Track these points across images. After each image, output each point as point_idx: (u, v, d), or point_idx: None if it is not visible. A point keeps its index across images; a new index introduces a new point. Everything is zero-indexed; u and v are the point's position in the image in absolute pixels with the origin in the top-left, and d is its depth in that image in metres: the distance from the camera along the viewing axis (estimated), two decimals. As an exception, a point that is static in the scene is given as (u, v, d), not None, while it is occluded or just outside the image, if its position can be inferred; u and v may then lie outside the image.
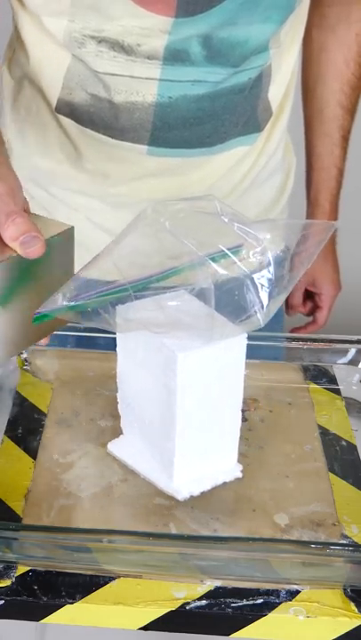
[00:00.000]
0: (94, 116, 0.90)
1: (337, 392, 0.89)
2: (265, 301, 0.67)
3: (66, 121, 0.93)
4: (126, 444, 0.79)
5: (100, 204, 0.99)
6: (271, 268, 0.67)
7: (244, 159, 0.98)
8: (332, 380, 0.90)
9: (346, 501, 0.75)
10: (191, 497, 0.74)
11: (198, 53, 0.85)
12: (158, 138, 0.91)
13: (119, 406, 0.80)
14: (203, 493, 0.75)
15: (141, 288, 0.68)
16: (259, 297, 0.67)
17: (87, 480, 0.76)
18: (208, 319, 0.68)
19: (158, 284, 0.68)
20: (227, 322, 0.68)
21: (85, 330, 0.90)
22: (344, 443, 0.82)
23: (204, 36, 0.84)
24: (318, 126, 1.10)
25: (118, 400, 0.79)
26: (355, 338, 0.91)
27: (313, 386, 0.89)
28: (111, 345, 0.87)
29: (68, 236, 0.71)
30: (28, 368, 0.90)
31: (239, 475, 0.76)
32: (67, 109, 0.92)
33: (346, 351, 0.91)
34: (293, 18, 0.88)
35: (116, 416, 0.83)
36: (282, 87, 0.97)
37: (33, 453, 0.79)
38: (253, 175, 1.01)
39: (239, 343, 0.71)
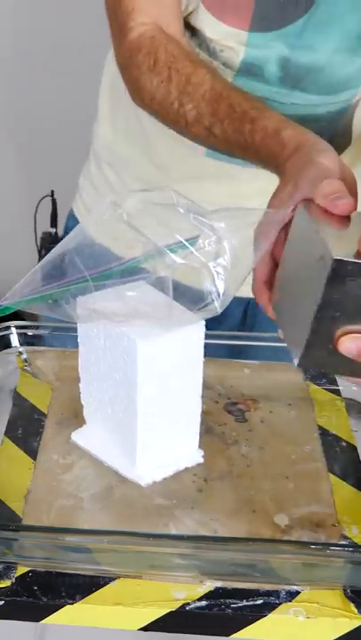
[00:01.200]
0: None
1: (337, 393, 0.89)
2: (221, 289, 0.68)
3: (143, 111, 0.93)
4: (89, 433, 0.80)
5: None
6: (227, 257, 0.68)
7: None
8: (333, 380, 0.90)
9: (346, 502, 0.75)
10: (154, 482, 0.75)
11: (273, 73, 0.85)
12: None
13: (82, 396, 0.80)
14: (165, 479, 0.76)
15: (101, 279, 0.68)
16: (215, 285, 0.68)
17: (87, 480, 0.76)
18: (166, 308, 0.70)
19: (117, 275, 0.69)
20: (185, 310, 0.70)
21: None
22: (344, 443, 0.82)
23: (282, 57, 0.84)
24: None
25: (81, 390, 0.80)
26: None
27: (313, 386, 0.89)
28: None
29: None
30: (28, 369, 0.90)
31: (200, 460, 0.78)
32: None
33: (346, 352, 0.91)
34: None
35: (116, 416, 0.83)
36: None
37: (33, 454, 0.79)
38: None
39: (197, 331, 0.73)
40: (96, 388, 0.78)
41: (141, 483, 0.75)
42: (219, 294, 0.68)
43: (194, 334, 0.73)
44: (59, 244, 0.69)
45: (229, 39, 0.84)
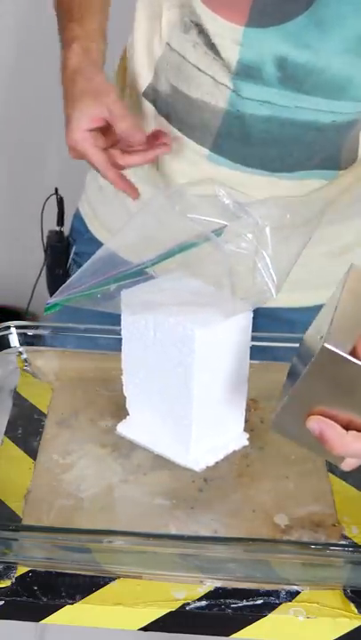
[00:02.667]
0: (170, 107, 0.93)
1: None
2: (274, 274, 0.70)
3: (147, 106, 0.95)
4: (135, 424, 0.81)
5: (162, 200, 0.99)
6: (269, 245, 0.70)
7: (320, 192, 0.95)
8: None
9: (346, 502, 0.75)
10: (206, 467, 0.77)
11: (272, 74, 0.84)
12: (220, 145, 0.91)
13: (124, 388, 0.80)
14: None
15: (156, 264, 0.71)
16: (268, 270, 0.69)
17: (87, 480, 0.76)
18: (214, 296, 0.72)
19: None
20: (233, 297, 0.72)
21: (85, 330, 0.90)
22: (344, 443, 0.82)
23: (279, 56, 0.83)
24: None
25: (124, 382, 0.80)
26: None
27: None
28: (111, 345, 0.87)
29: None
30: (28, 369, 0.90)
31: (246, 442, 0.79)
32: (151, 96, 0.94)
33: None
34: None
35: (116, 416, 0.83)
36: None
37: (33, 454, 0.79)
38: (331, 211, 0.97)
39: (246, 317, 0.74)
40: (143, 380, 0.78)
41: (196, 468, 0.76)
42: (273, 279, 0.70)
43: (244, 321, 0.74)
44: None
45: (225, 35, 0.84)
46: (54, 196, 1.16)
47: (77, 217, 1.13)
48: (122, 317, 0.76)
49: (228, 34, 0.84)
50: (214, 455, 0.78)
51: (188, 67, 0.88)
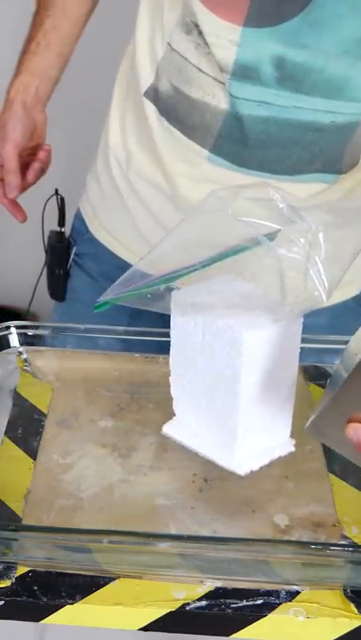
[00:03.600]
0: (171, 108, 0.92)
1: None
2: (325, 280, 0.69)
3: (149, 106, 0.95)
4: (181, 425, 0.80)
5: (167, 202, 0.99)
6: (322, 250, 0.69)
7: (321, 195, 0.95)
8: (333, 380, 0.90)
9: (346, 502, 0.75)
10: (251, 471, 0.76)
11: (269, 74, 0.84)
12: (220, 147, 0.91)
13: (172, 389, 0.80)
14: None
15: (208, 266, 0.70)
16: (320, 276, 0.69)
17: (87, 480, 0.76)
18: (264, 299, 0.71)
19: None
20: (283, 301, 0.70)
21: (85, 330, 0.90)
22: (344, 443, 0.82)
23: (276, 56, 0.83)
24: None
25: (171, 383, 0.80)
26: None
27: (313, 386, 0.89)
28: (111, 345, 0.87)
29: None
30: (28, 369, 0.90)
31: (292, 449, 0.78)
32: (153, 96, 0.94)
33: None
34: None
35: (115, 416, 0.83)
36: None
37: (33, 454, 0.79)
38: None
39: (296, 322, 0.73)
40: (190, 381, 0.78)
41: (240, 472, 0.75)
42: (325, 284, 0.69)
43: (293, 326, 0.73)
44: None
45: (222, 35, 0.84)
46: (55, 197, 1.16)
47: (78, 217, 1.13)
48: (171, 318, 0.76)
49: (226, 34, 0.83)
50: (259, 460, 0.77)
51: (189, 67, 0.88)
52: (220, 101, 0.88)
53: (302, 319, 0.73)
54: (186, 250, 0.71)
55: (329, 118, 0.87)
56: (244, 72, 0.85)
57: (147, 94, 0.95)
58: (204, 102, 0.89)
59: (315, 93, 0.85)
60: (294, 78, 0.84)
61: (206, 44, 0.86)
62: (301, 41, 0.81)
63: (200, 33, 0.86)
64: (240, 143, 0.90)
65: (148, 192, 1.00)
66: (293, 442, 0.78)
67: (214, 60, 0.86)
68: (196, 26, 0.86)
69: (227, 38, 0.84)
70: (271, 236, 0.69)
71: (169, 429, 0.81)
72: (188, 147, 0.93)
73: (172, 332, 0.77)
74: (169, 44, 0.90)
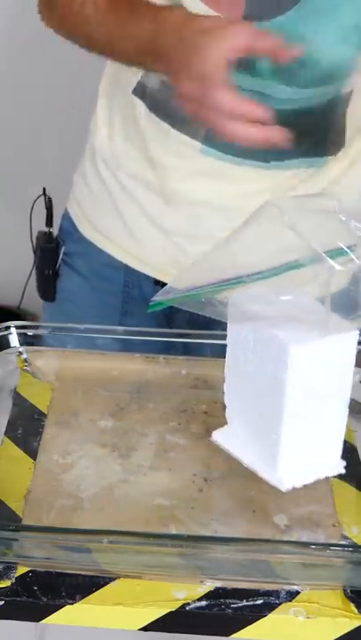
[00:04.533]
0: (160, 103, 0.92)
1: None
2: None
3: (138, 103, 0.94)
4: (231, 433, 0.80)
5: (156, 199, 0.99)
6: None
7: (310, 181, 0.96)
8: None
9: (346, 502, 0.75)
10: (293, 488, 0.75)
11: (265, 67, 0.84)
12: (212, 138, 0.91)
13: (225, 396, 0.80)
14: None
15: (257, 281, 0.70)
16: None
17: (87, 480, 0.76)
18: (320, 314, 0.70)
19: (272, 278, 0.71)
20: (340, 317, 0.70)
21: (85, 330, 0.90)
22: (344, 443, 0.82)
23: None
24: None
25: (225, 390, 0.80)
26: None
27: None
28: (111, 345, 0.87)
29: None
30: (28, 369, 0.90)
31: (342, 470, 0.77)
32: (141, 92, 0.94)
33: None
34: None
35: (115, 416, 0.83)
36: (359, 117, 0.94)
37: (33, 454, 0.79)
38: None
39: (351, 339, 0.72)
40: (241, 390, 0.78)
41: (281, 487, 0.74)
42: None
43: (347, 342, 0.72)
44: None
45: None
46: (42, 197, 1.16)
47: (66, 217, 1.13)
48: (228, 324, 0.76)
49: None
50: (303, 478, 0.75)
51: None
52: None
53: (358, 337, 0.72)
54: (240, 257, 0.71)
55: (317, 102, 0.89)
56: (240, 62, 0.85)
57: (135, 91, 0.95)
58: None
59: (309, 85, 0.86)
60: (290, 71, 0.84)
61: None
62: (299, 32, 0.82)
63: None
64: None
65: (138, 190, 1.00)
66: (344, 463, 0.77)
67: None
68: None
69: None
70: (332, 254, 0.69)
71: (218, 437, 0.80)
72: (180, 140, 0.93)
73: (228, 338, 0.77)
74: None
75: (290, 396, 0.71)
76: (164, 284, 1.04)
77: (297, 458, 0.75)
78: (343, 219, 0.71)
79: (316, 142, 0.94)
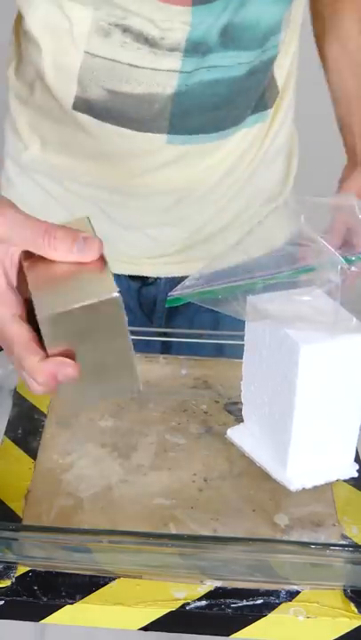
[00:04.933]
0: (112, 111, 0.91)
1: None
2: None
3: (83, 117, 0.93)
4: (246, 431, 0.80)
5: (117, 197, 0.99)
6: None
7: (255, 140, 0.99)
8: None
9: (346, 502, 0.75)
10: (303, 488, 0.75)
11: (216, 41, 0.86)
12: (177, 126, 0.92)
13: (242, 394, 0.80)
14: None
15: (271, 281, 0.71)
16: None
17: (87, 480, 0.76)
18: (334, 315, 0.70)
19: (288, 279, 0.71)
20: (352, 318, 0.70)
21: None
22: (344, 443, 0.82)
23: (223, 24, 0.85)
24: (347, 66, 1.04)
25: (242, 388, 0.80)
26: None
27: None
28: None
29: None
30: (28, 368, 0.90)
31: (355, 474, 0.77)
32: (84, 106, 0.92)
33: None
34: None
35: (116, 416, 0.83)
36: (286, 64, 0.98)
37: (33, 454, 0.79)
38: (261, 156, 1.01)
39: None
40: (256, 388, 0.78)
41: (290, 487, 0.74)
42: None
43: (358, 343, 0.71)
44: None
45: (175, 20, 0.84)
46: None
47: None
48: (246, 323, 0.76)
49: (178, 17, 0.84)
50: (314, 479, 0.75)
51: (122, 67, 0.87)
52: (166, 87, 0.88)
53: None
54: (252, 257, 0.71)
55: (260, 59, 0.91)
56: (195, 47, 0.86)
57: (76, 107, 0.92)
58: (149, 94, 0.89)
59: (252, 46, 0.88)
60: (235, 38, 0.86)
61: (138, 39, 0.85)
62: (244, 2, 0.84)
63: (125, 31, 0.85)
64: (194, 114, 0.91)
65: (106, 197, 0.99)
66: (357, 467, 0.77)
67: (148, 51, 0.86)
68: (117, 25, 0.85)
69: (179, 20, 0.84)
70: (349, 259, 0.69)
71: (233, 434, 0.81)
72: (145, 139, 0.93)
73: (246, 336, 0.78)
74: (87, 52, 0.88)
75: (300, 397, 0.71)
76: (141, 278, 1.05)
77: (307, 459, 0.75)
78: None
79: (260, 98, 0.96)
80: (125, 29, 0.85)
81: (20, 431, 0.82)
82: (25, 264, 0.63)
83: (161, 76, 0.88)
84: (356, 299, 0.70)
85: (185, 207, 1.00)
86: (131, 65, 0.87)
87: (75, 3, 0.85)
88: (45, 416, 0.84)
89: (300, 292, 0.72)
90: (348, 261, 0.69)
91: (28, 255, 0.63)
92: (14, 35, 0.98)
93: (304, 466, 0.75)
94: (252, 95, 0.95)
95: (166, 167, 0.96)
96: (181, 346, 0.95)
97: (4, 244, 0.62)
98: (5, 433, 0.82)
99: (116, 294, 0.60)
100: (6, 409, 0.85)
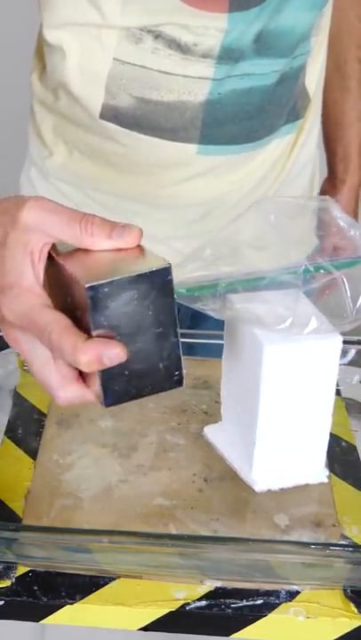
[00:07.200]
0: (141, 119, 0.90)
1: (337, 392, 0.88)
2: (358, 303, 0.68)
3: (111, 126, 0.91)
4: (222, 429, 0.80)
5: (142, 207, 0.98)
6: None
7: (285, 150, 0.99)
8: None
9: (346, 502, 0.75)
10: (269, 490, 0.75)
11: (249, 48, 0.85)
12: (208, 135, 0.91)
13: (221, 392, 0.80)
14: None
15: (247, 284, 0.70)
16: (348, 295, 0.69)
17: (87, 480, 0.76)
18: (308, 318, 0.69)
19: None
20: (324, 321, 0.69)
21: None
22: (344, 443, 0.82)
23: (258, 31, 0.84)
24: (339, 82, 1.09)
25: (221, 387, 0.80)
26: (355, 338, 0.91)
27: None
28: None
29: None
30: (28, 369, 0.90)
31: (324, 480, 0.76)
32: (111, 115, 0.90)
33: (346, 351, 0.91)
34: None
35: (116, 416, 0.83)
36: (316, 72, 0.98)
37: (33, 454, 0.79)
38: (289, 167, 1.01)
39: (333, 344, 0.71)
40: (232, 387, 0.78)
41: (255, 488, 0.74)
42: (355, 307, 0.69)
43: (328, 347, 0.71)
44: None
45: (210, 26, 0.83)
46: None
47: None
48: (225, 322, 0.76)
49: (213, 24, 0.83)
50: (281, 482, 0.75)
51: (152, 74, 0.86)
52: (197, 95, 0.87)
53: (341, 343, 0.71)
54: (228, 258, 0.71)
55: (290, 65, 0.90)
56: (228, 53, 0.85)
57: (103, 116, 0.91)
58: (180, 102, 0.88)
59: (286, 53, 0.88)
60: (270, 45, 0.86)
61: (170, 45, 0.84)
62: (280, 8, 0.83)
63: (157, 37, 0.84)
64: (226, 123, 0.90)
65: (133, 208, 0.98)
66: (327, 473, 0.77)
67: (180, 58, 0.85)
68: (150, 32, 0.84)
69: (213, 27, 0.83)
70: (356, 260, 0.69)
71: (209, 431, 0.81)
72: (175, 149, 0.92)
73: (224, 335, 0.77)
74: (116, 59, 0.86)
75: (264, 397, 0.71)
76: None
77: (274, 461, 0.74)
78: (342, 224, 0.71)
79: (292, 108, 0.96)
80: (157, 35, 0.84)
81: (19, 431, 0.82)
82: (57, 259, 0.59)
83: (192, 83, 0.87)
84: (334, 306, 0.70)
85: (212, 220, 0.98)
86: (161, 72, 0.86)
87: (104, 10, 0.83)
88: (45, 416, 0.84)
89: (278, 294, 0.71)
90: (337, 267, 0.69)
91: (56, 254, 0.60)
92: (38, 41, 0.97)
93: (270, 468, 0.75)
94: (284, 104, 0.93)
95: (195, 179, 0.95)
96: (182, 346, 0.95)
97: (36, 232, 0.58)
98: (5, 433, 0.82)
99: (168, 264, 0.57)
100: (6, 409, 0.85)
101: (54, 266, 0.60)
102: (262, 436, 0.73)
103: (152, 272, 0.57)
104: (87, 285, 0.56)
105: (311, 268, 0.69)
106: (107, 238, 0.58)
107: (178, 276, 0.60)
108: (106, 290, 0.56)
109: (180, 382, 0.61)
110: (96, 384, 0.59)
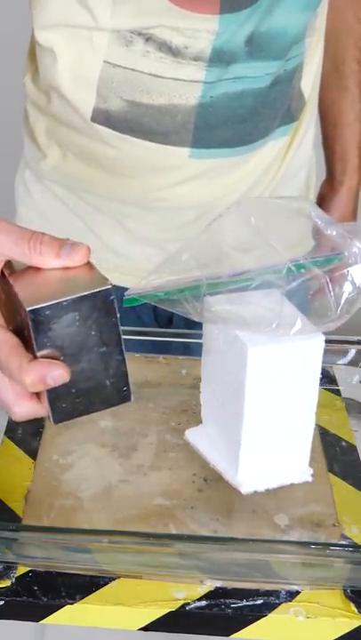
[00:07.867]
0: (132, 123, 0.89)
1: (337, 392, 0.89)
2: (341, 302, 0.68)
3: (102, 129, 0.91)
4: (203, 432, 0.80)
5: (137, 210, 0.98)
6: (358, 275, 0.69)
7: (279, 153, 0.99)
8: (333, 380, 0.90)
9: (346, 502, 0.75)
10: (255, 492, 0.75)
11: (241, 50, 0.85)
12: (200, 139, 0.90)
13: (201, 395, 0.80)
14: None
15: (216, 285, 0.69)
16: (341, 298, 0.68)
17: (87, 480, 0.76)
18: (290, 318, 0.69)
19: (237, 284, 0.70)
20: (306, 322, 0.69)
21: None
22: (344, 443, 0.82)
23: (249, 33, 0.84)
24: (337, 82, 1.09)
25: (201, 390, 0.80)
26: (355, 338, 0.91)
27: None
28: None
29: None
30: (28, 368, 0.90)
31: (309, 479, 0.76)
32: (102, 118, 0.90)
33: (346, 352, 0.91)
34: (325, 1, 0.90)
35: (116, 416, 0.83)
36: (312, 73, 0.97)
37: (33, 454, 0.79)
38: (283, 170, 1.01)
39: (316, 345, 0.71)
40: (213, 389, 0.78)
41: (241, 490, 0.74)
42: (338, 307, 0.68)
43: (311, 348, 0.71)
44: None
45: (201, 28, 0.83)
46: None
47: None
48: (203, 324, 0.76)
49: (203, 25, 0.83)
50: (266, 483, 0.75)
51: (143, 77, 0.86)
52: (189, 98, 0.87)
53: (323, 343, 0.71)
54: (208, 259, 0.70)
55: (284, 67, 0.90)
56: (220, 56, 0.85)
57: (94, 119, 0.90)
58: (172, 105, 0.87)
59: (280, 56, 0.87)
60: (262, 47, 0.85)
61: (160, 48, 0.84)
62: (272, 10, 0.83)
63: (147, 40, 0.83)
64: (218, 126, 0.90)
65: (126, 211, 0.98)
66: (311, 471, 0.77)
67: (171, 61, 0.84)
68: (140, 34, 0.83)
69: (204, 29, 0.83)
70: (340, 256, 0.69)
71: (190, 435, 0.80)
72: (167, 153, 0.91)
73: (203, 337, 0.77)
74: (106, 62, 0.86)
75: (249, 399, 0.71)
76: None
77: (259, 462, 0.74)
78: (320, 223, 0.71)
79: (287, 110, 0.95)
80: (148, 38, 0.83)
81: (19, 431, 0.82)
82: (8, 278, 0.61)
83: (184, 86, 0.86)
84: (318, 306, 0.70)
85: (206, 222, 0.98)
86: (152, 75, 0.85)
87: (95, 11, 0.83)
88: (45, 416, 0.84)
89: (258, 294, 0.71)
90: (318, 264, 0.68)
91: (9, 272, 0.61)
92: (31, 42, 0.96)
93: (256, 469, 0.74)
94: (278, 106, 0.93)
95: (188, 182, 0.94)
96: (181, 346, 0.95)
97: None
98: (5, 433, 0.82)
99: (109, 285, 0.58)
100: (6, 409, 0.85)
101: (7, 284, 0.61)
102: (248, 437, 0.73)
103: (93, 294, 0.58)
104: (29, 309, 0.57)
105: (293, 268, 0.68)
106: (55, 257, 0.59)
107: (155, 281, 0.61)
108: (47, 312, 0.58)
109: (127, 397, 0.63)
110: (45, 401, 0.61)
